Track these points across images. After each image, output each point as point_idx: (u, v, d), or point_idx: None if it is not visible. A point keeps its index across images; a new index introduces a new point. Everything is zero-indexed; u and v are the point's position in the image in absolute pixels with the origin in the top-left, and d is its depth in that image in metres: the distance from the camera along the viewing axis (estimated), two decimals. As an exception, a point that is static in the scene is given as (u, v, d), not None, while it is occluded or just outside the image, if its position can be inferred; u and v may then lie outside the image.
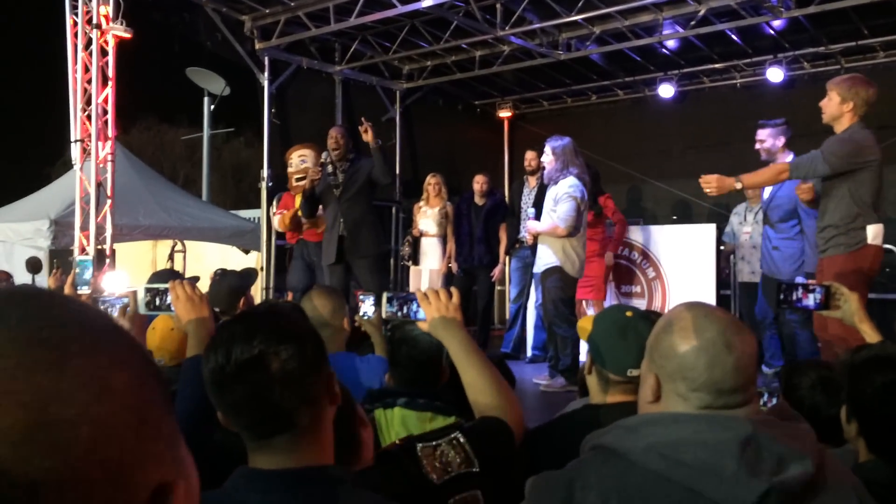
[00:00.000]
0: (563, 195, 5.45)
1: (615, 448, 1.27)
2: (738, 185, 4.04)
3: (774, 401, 2.20)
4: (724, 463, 1.17)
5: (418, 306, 1.98)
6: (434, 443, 1.56)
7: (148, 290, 2.08)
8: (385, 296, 2.04)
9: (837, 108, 4.00)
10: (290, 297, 6.49)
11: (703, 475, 1.17)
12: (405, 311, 2.01)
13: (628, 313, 2.01)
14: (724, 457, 1.17)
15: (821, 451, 1.24)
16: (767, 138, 5.70)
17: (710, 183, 4.02)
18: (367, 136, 5.55)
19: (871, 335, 2.28)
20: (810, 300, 2.39)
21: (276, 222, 6.86)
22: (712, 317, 1.29)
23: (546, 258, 5.54)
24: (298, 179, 6.51)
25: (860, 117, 4.00)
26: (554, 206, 5.51)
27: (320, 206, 6.06)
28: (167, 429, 0.50)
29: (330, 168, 5.83)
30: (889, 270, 7.64)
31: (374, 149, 5.60)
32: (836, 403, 1.90)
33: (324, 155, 5.83)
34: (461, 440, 1.57)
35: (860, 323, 2.33)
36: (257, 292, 7.18)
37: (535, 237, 5.69)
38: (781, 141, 5.68)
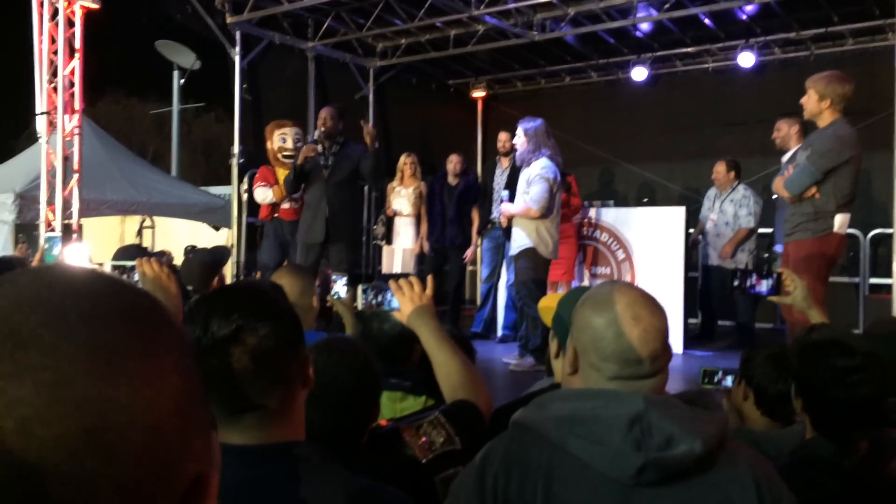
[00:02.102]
0: (536, 177, 5.47)
1: (524, 422, 1.35)
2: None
3: (729, 379, 2.27)
4: (611, 437, 1.24)
5: (392, 296, 2.02)
6: (416, 423, 1.61)
7: (115, 268, 2.06)
8: (360, 287, 2.06)
9: (816, 105, 4.12)
10: (258, 275, 6.45)
11: (591, 447, 1.25)
12: (380, 299, 2.03)
13: None
14: (612, 431, 1.25)
15: (721, 437, 1.29)
16: (783, 127, 5.87)
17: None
18: (367, 139, 5.70)
19: (818, 320, 2.35)
20: (763, 287, 2.48)
21: (265, 195, 6.63)
22: (623, 291, 1.38)
23: (520, 240, 5.57)
24: (286, 156, 6.49)
25: (840, 112, 4.11)
26: (527, 188, 5.53)
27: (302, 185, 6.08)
28: (205, 422, 0.50)
29: (319, 148, 5.82)
30: (853, 254, 7.81)
31: (371, 152, 5.74)
32: (785, 380, 1.97)
33: (316, 133, 5.83)
34: (442, 420, 1.63)
35: (809, 309, 2.42)
36: (228, 269, 7.13)
37: (510, 219, 5.71)
38: (796, 129, 5.88)
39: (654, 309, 1.36)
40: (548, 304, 2.30)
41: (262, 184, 6.56)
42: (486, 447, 1.41)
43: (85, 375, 0.43)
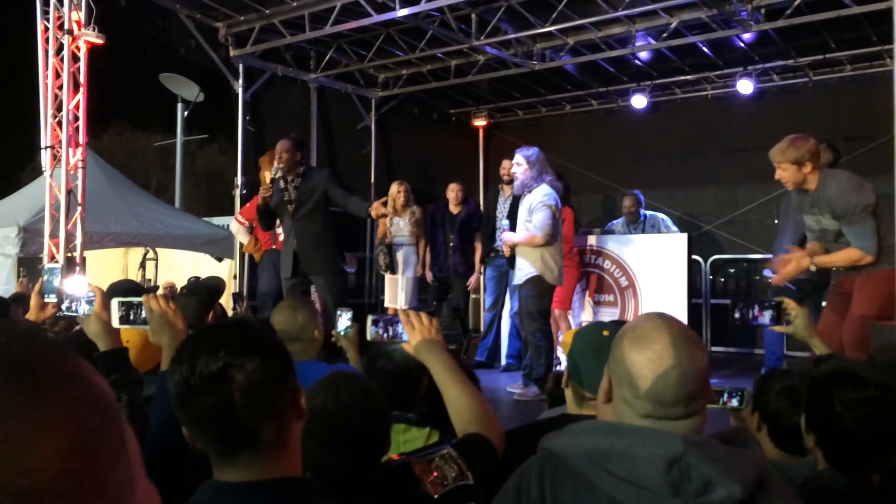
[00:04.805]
0: (538, 204, 5.48)
1: (557, 452, 1.33)
2: (813, 268, 3.94)
3: (735, 401, 2.24)
4: (649, 478, 1.21)
5: (402, 328, 2.03)
6: (428, 458, 1.61)
7: (122, 304, 2.05)
8: (370, 318, 2.07)
9: (798, 174, 3.88)
10: (245, 304, 6.49)
11: (627, 487, 1.22)
12: (391, 333, 2.04)
13: (605, 332, 2.04)
14: (650, 472, 1.21)
15: (759, 479, 1.26)
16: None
17: (788, 271, 3.88)
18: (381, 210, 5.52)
19: (821, 349, 2.32)
20: (765, 317, 2.43)
21: (237, 232, 6.92)
22: (666, 328, 1.32)
23: (525, 269, 5.55)
24: None
25: (819, 167, 3.92)
26: (529, 217, 5.53)
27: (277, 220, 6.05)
28: (112, 482, 0.47)
29: (281, 183, 5.72)
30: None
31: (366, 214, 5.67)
32: (800, 414, 1.94)
33: (274, 169, 5.78)
34: (454, 454, 1.62)
35: (810, 338, 2.38)
36: (228, 300, 7.13)
37: (512, 249, 5.69)
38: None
39: (695, 349, 1.31)
40: (567, 340, 2.31)
41: (246, 222, 6.81)
42: (517, 473, 1.39)
43: None
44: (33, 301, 2.85)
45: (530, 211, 5.52)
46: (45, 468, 0.43)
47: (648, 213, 7.78)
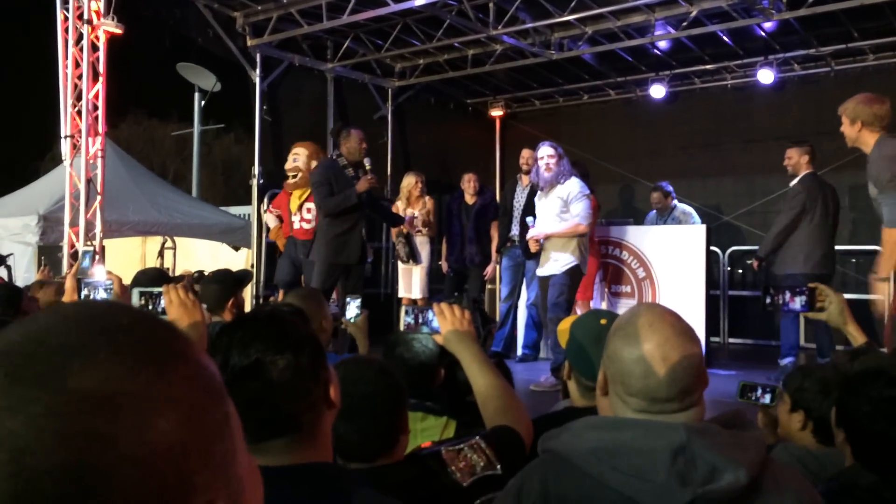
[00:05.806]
0: (577, 194, 5.58)
1: (559, 451, 1.33)
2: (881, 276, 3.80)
3: (767, 397, 2.20)
4: (655, 470, 1.21)
5: (434, 317, 2.04)
6: (457, 447, 1.63)
7: (142, 294, 2.07)
8: (403, 308, 2.10)
9: (850, 129, 3.95)
10: (280, 295, 6.50)
11: (635, 482, 1.22)
12: (421, 320, 2.07)
13: (603, 321, 2.03)
14: (655, 465, 1.21)
15: (763, 461, 1.26)
16: (794, 155, 5.96)
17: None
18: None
19: (856, 337, 2.26)
20: (797, 303, 2.34)
21: (269, 220, 6.99)
22: (657, 325, 1.32)
23: (563, 259, 5.59)
24: (293, 176, 6.58)
25: (881, 131, 3.88)
26: (565, 207, 5.59)
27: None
28: (218, 454, 0.51)
29: (350, 171, 5.81)
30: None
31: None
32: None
33: (367, 161, 5.86)
34: (482, 445, 1.64)
35: (845, 325, 2.29)
36: (247, 289, 7.17)
37: (538, 242, 5.71)
38: (805, 159, 5.93)
39: (686, 344, 1.31)
40: (565, 328, 2.30)
41: (275, 211, 6.87)
42: (520, 475, 1.39)
43: (74, 410, 0.45)
44: (68, 284, 2.99)
45: (567, 201, 5.59)
46: (161, 439, 0.47)
47: (680, 205, 7.72)
